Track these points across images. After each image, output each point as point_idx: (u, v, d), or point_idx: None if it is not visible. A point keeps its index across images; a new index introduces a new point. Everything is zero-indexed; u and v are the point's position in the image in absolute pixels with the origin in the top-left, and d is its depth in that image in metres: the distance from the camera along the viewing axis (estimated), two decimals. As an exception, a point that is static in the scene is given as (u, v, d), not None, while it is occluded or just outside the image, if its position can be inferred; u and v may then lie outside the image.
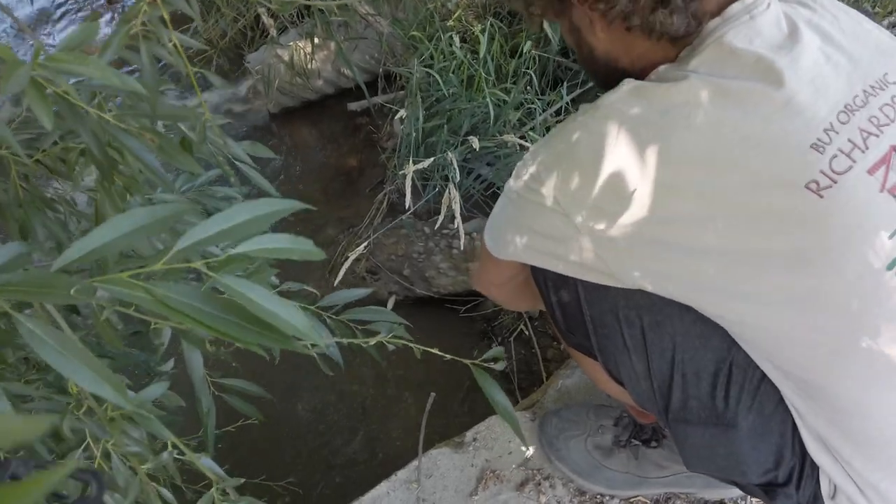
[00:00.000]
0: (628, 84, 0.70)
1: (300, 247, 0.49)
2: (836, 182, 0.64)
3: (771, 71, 0.66)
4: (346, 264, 1.54)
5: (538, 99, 1.93)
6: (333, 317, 1.04)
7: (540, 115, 1.89)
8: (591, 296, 0.80)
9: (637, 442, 1.06)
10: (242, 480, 0.65)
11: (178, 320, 0.46)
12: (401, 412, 1.99)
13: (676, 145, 0.66)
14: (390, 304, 2.21)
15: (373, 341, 0.72)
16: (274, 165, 2.56)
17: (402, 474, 1.08)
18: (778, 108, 0.65)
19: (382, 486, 1.06)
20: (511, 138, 1.57)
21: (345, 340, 0.84)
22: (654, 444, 1.05)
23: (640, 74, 0.74)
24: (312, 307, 1.02)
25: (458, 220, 1.47)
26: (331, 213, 2.44)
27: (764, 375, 0.75)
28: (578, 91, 2.03)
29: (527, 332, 2.13)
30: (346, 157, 2.55)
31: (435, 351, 0.74)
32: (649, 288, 0.72)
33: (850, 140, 0.65)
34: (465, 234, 2.22)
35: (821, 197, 0.64)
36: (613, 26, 0.73)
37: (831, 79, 0.67)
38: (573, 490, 1.08)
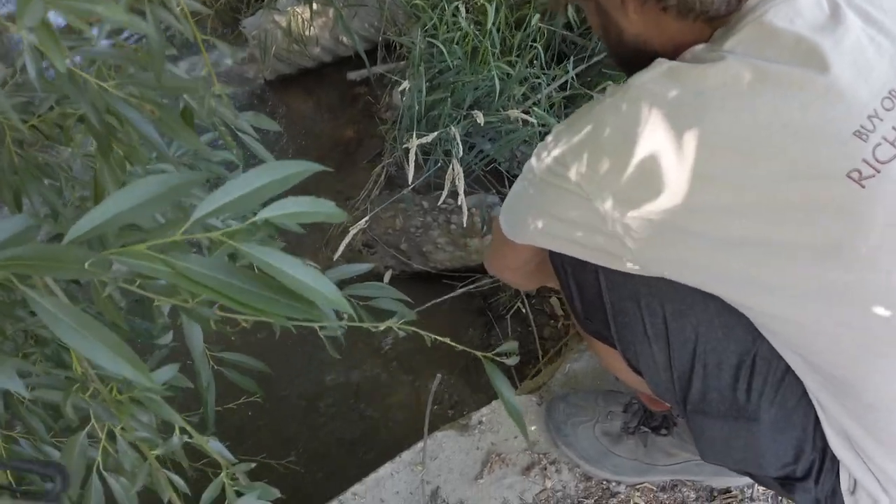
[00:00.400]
0: (661, 65, 0.67)
1: (323, 209, 0.46)
2: (879, 171, 0.61)
3: (813, 54, 0.63)
4: (347, 238, 1.51)
5: (543, 73, 1.89)
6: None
7: (545, 89, 1.85)
8: (611, 282, 0.77)
9: (646, 429, 1.05)
10: (253, 465, 0.63)
11: (200, 293, 0.43)
12: (404, 390, 1.98)
13: (711, 130, 0.63)
14: (386, 278, 2.19)
15: (382, 326, 0.69)
16: (269, 134, 2.50)
17: (406, 456, 1.06)
18: (819, 93, 0.62)
19: (387, 468, 1.04)
20: (515, 113, 1.53)
21: (345, 325, 0.81)
22: (663, 431, 1.04)
23: (672, 56, 0.70)
24: None
25: (462, 195, 1.43)
26: (327, 185, 2.40)
27: (788, 368, 0.73)
28: (584, 66, 1.98)
29: (524, 310, 2.12)
30: (344, 127, 2.50)
31: (446, 340, 0.71)
32: (673, 277, 0.70)
33: (895, 128, 0.62)
34: (467, 208, 2.19)
35: (862, 187, 0.61)
36: (647, 6, 0.69)
37: (875, 62, 0.64)
38: (579, 475, 1.07)
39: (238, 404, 1.24)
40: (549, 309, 2.09)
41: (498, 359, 0.66)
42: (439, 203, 1.54)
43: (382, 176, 2.31)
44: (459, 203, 1.44)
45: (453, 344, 0.81)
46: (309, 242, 2.30)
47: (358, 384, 1.91)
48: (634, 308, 0.76)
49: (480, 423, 1.12)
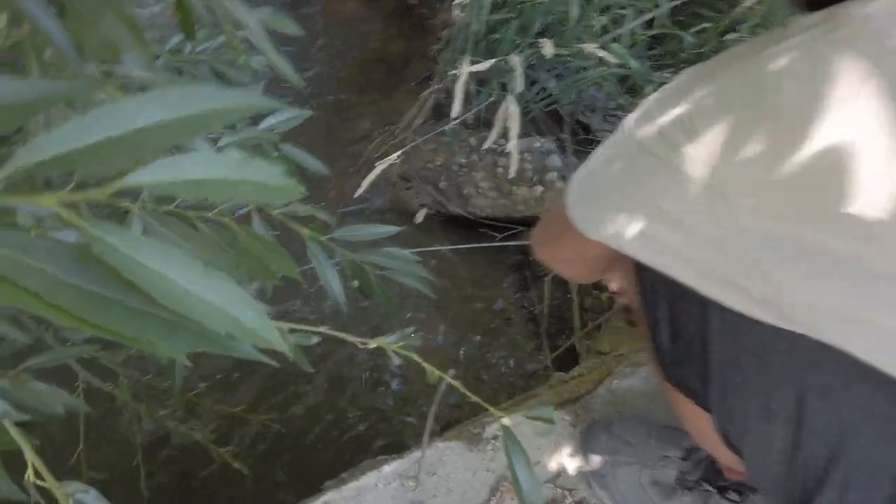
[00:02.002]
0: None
1: (267, 180, 0.27)
2: None
3: None
4: (373, 175, 1.29)
5: (631, 4, 1.59)
6: (348, 253, 0.82)
7: (629, 23, 1.56)
8: (727, 325, 0.54)
9: (710, 488, 0.81)
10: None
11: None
12: (419, 381, 1.80)
13: None
14: (419, 217, 1.97)
15: (372, 344, 0.47)
16: (308, 38, 2.25)
17: (397, 466, 0.87)
18: None
19: (371, 477, 0.85)
20: (591, 48, 1.26)
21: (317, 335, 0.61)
22: (733, 496, 0.81)
23: None
24: (323, 238, 0.80)
25: (514, 138, 1.19)
26: (367, 104, 2.16)
27: None
28: (679, 1, 1.67)
29: (566, 274, 1.89)
30: (393, 41, 2.23)
31: (479, 401, 0.49)
32: (830, 338, 0.46)
33: None
34: (518, 153, 1.94)
35: None
36: None
37: None
38: (611, 528, 0.87)
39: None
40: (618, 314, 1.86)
41: (535, 418, 0.45)
42: (487, 143, 1.30)
43: (429, 103, 2.06)
44: (510, 145, 1.19)
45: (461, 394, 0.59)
46: (342, 162, 2.09)
47: (361, 368, 1.72)
48: (757, 370, 0.53)
49: (496, 437, 0.91)
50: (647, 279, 0.59)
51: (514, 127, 1.17)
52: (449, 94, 2.01)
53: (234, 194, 0.25)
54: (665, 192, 0.48)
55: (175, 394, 0.85)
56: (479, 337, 1.84)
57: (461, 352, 1.80)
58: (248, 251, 0.58)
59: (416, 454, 0.86)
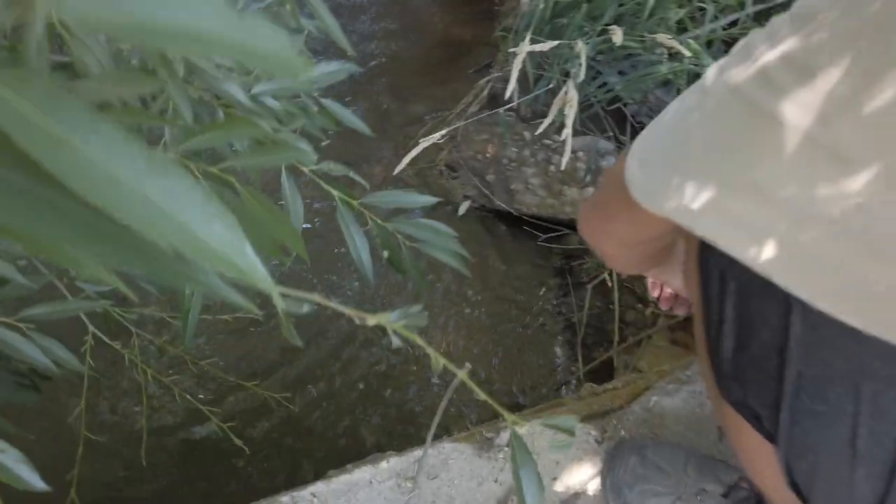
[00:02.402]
0: None
1: (270, 46, 0.17)
2: None
3: None
4: (414, 152, 1.21)
5: (713, 0, 1.47)
6: (378, 220, 0.75)
7: (711, 22, 1.44)
8: (816, 335, 0.43)
9: None
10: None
11: None
12: (443, 373, 1.72)
13: None
14: (462, 209, 1.89)
15: (372, 321, 0.39)
16: (370, 15, 2.19)
17: (396, 463, 0.77)
18: None
19: (365, 472, 0.75)
20: (665, 39, 1.15)
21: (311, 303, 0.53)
22: None
23: None
24: (355, 202, 0.72)
25: (569, 130, 1.10)
26: (423, 87, 2.09)
27: None
28: (764, 6, 1.54)
29: (609, 283, 1.78)
30: (457, 26, 2.15)
31: (489, 400, 0.39)
32: None
33: None
34: (571, 151, 1.84)
35: None
36: None
37: None
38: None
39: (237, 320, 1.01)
40: (642, 290, 1.75)
41: (555, 427, 0.36)
42: (539, 134, 1.21)
43: (485, 91, 1.97)
44: (565, 132, 1.10)
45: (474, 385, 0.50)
46: (388, 143, 2.02)
47: (374, 352, 1.64)
48: (845, 397, 0.42)
49: (509, 444, 0.81)
50: (714, 267, 0.48)
51: (571, 114, 1.08)
52: (507, 83, 1.92)
53: (224, 52, 0.17)
54: (758, 151, 0.37)
55: (187, 354, 0.79)
56: (510, 339, 1.74)
57: (490, 351, 1.71)
58: (252, 216, 0.50)
59: (417, 453, 0.77)
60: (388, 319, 0.47)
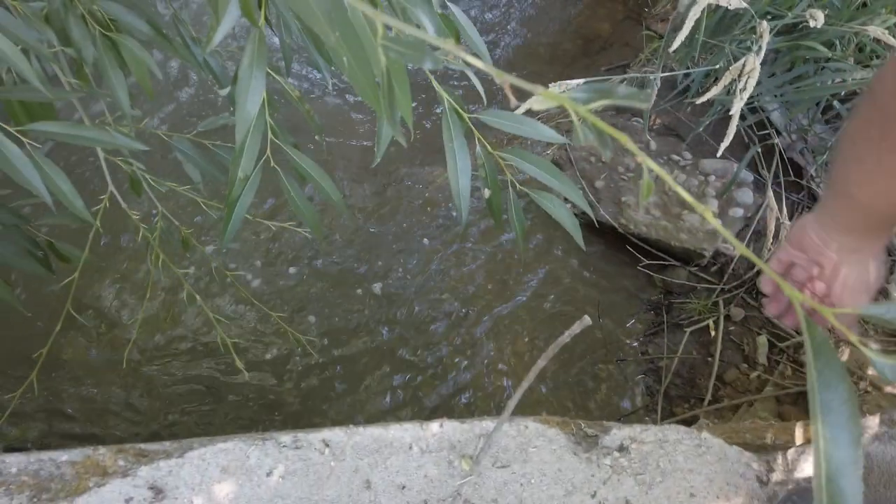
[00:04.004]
0: None
1: None
2: None
3: None
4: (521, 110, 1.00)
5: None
6: (488, 146, 0.59)
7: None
8: None
9: None
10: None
11: None
12: (533, 324, 1.49)
13: None
14: (559, 213, 1.67)
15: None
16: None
17: (452, 431, 0.52)
18: None
19: (405, 432, 0.52)
20: (880, 32, 0.92)
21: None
22: None
23: None
24: (466, 115, 0.56)
25: (736, 111, 0.87)
26: (550, 76, 1.90)
27: None
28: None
29: (713, 332, 1.52)
30: (600, 21, 1.96)
31: None
32: None
33: None
34: (703, 174, 1.60)
35: None
36: None
37: None
38: None
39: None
40: (750, 349, 1.47)
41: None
42: (705, 97, 0.98)
43: (616, 90, 1.76)
44: (735, 107, 0.87)
45: None
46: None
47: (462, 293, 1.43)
48: None
49: (622, 447, 0.56)
50: None
51: (750, 87, 0.85)
52: (643, 87, 1.71)
53: None
54: None
55: (214, 259, 0.60)
56: (583, 365, 1.50)
57: (558, 372, 1.47)
58: None
59: (486, 424, 0.54)
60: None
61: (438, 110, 1.72)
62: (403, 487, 0.50)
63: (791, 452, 0.60)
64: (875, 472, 0.59)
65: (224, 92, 0.78)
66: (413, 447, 0.54)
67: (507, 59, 1.93)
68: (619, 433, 0.59)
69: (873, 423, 0.63)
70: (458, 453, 0.53)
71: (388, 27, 0.35)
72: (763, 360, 1.44)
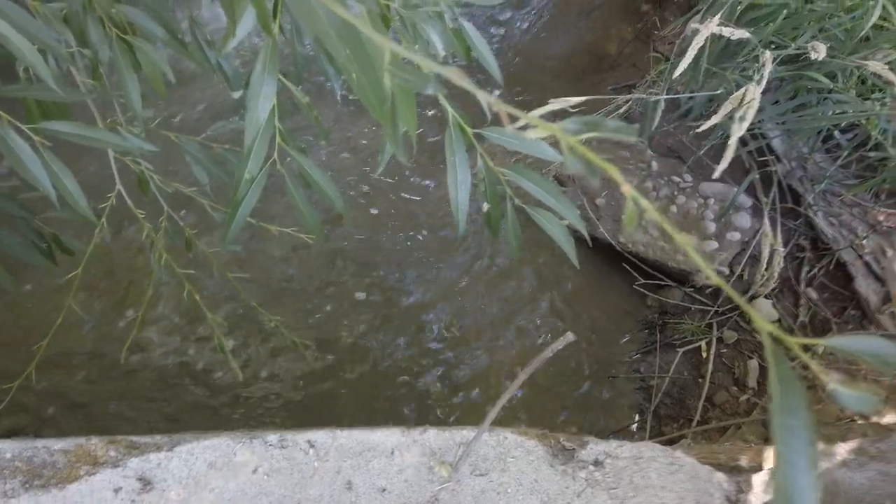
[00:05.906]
0: None
1: None
2: None
3: None
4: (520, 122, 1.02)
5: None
6: (489, 161, 0.62)
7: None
8: None
9: None
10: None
11: None
12: (514, 338, 1.51)
13: None
14: (559, 229, 1.69)
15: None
16: (524, 12, 2.05)
17: (433, 437, 0.55)
18: None
19: (389, 437, 0.54)
20: (877, 66, 0.94)
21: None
22: None
23: None
24: (469, 129, 0.57)
25: (735, 139, 0.89)
26: (556, 91, 1.91)
27: None
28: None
29: (705, 354, 1.53)
30: (609, 40, 1.98)
31: None
32: None
33: None
34: (702, 196, 1.62)
35: None
36: None
37: None
38: None
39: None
40: (741, 372, 1.49)
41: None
42: (707, 125, 1.00)
43: (622, 110, 1.78)
44: (733, 139, 0.89)
45: None
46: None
47: (463, 300, 1.45)
48: None
49: (598, 462, 0.58)
50: None
51: (749, 116, 0.87)
52: (644, 113, 1.73)
53: None
54: None
55: (216, 259, 0.63)
56: (573, 380, 1.51)
57: (545, 385, 1.48)
58: None
59: (464, 433, 0.57)
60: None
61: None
62: (384, 490, 0.52)
63: (762, 474, 0.61)
64: (841, 497, 0.60)
65: (236, 95, 0.80)
66: (395, 452, 0.56)
67: (516, 71, 1.95)
68: (595, 448, 0.60)
69: (843, 449, 0.65)
70: (437, 459, 0.55)
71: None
72: (753, 384, 1.46)
